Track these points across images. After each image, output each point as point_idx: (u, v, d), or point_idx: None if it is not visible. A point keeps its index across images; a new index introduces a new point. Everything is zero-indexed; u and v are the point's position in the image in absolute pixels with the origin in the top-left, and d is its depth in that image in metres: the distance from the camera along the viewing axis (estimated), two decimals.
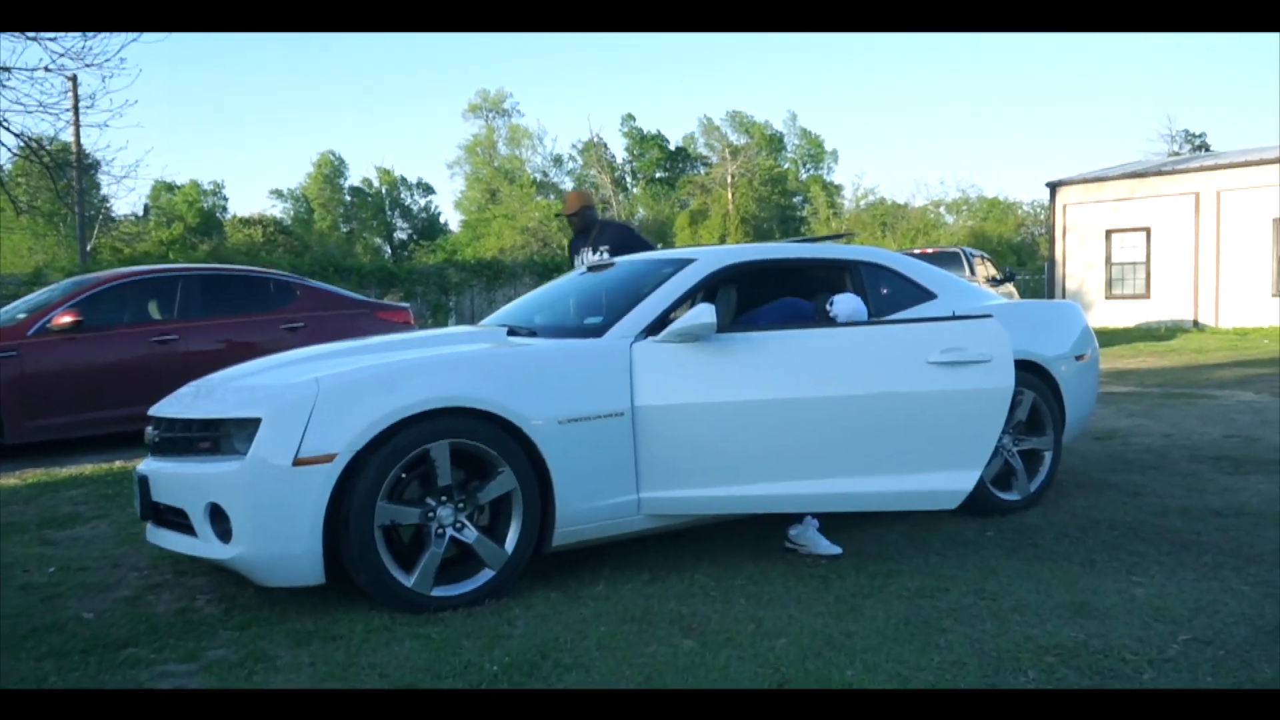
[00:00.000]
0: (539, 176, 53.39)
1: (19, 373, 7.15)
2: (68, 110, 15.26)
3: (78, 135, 19.54)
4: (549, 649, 3.20)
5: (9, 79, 12.41)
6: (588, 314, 4.60)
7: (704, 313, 3.89)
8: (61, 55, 12.31)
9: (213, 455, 3.62)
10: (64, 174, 16.69)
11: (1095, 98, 76.43)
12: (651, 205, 54.00)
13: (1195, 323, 21.31)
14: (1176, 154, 39.72)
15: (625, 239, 6.48)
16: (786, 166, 56.59)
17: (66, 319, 7.39)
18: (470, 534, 3.68)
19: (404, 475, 3.62)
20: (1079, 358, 5.31)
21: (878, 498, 3.99)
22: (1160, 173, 22.55)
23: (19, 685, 3.00)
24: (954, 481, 3.99)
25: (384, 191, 57.25)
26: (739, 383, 3.93)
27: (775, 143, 56.84)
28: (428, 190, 59.39)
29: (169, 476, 3.73)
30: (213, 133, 77.86)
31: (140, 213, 41.90)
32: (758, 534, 4.52)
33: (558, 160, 55.54)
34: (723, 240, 45.16)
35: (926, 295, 5.10)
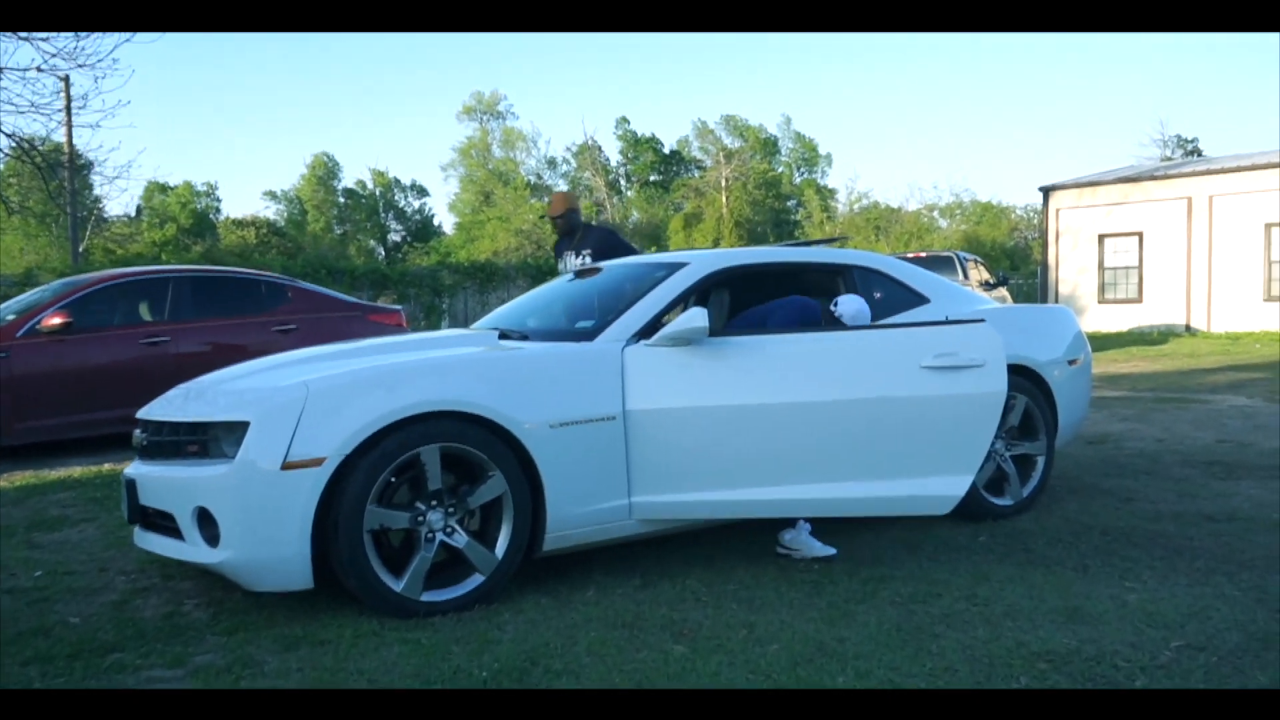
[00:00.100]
0: (533, 179, 53.38)
1: (8, 374, 7.11)
2: (60, 111, 15.24)
3: (70, 136, 19.49)
4: (539, 655, 3.17)
5: (1, 79, 12.36)
6: (580, 318, 4.58)
7: (696, 316, 3.87)
8: (54, 55, 12.26)
9: (201, 459, 3.60)
10: (56, 174, 16.62)
11: (1088, 103, 76.68)
12: (645, 208, 54.01)
13: (1188, 327, 21.36)
14: (1169, 159, 39.84)
15: (608, 243, 6.48)
16: (781, 170, 56.67)
17: (56, 320, 7.35)
18: (460, 538, 3.65)
19: (394, 479, 3.59)
20: (1071, 362, 5.31)
21: (870, 502, 3.97)
22: (1153, 177, 22.61)
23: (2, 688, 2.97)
24: (947, 486, 3.97)
25: (378, 193, 57.21)
26: (731, 387, 3.91)
27: (769, 146, 56.92)
28: (422, 192, 59.43)
29: (157, 480, 3.71)
30: (206, 134, 77.77)
31: (133, 214, 41.77)
32: (750, 539, 4.50)
33: (552, 163, 55.58)
34: (717, 244, 45.19)
35: (919, 299, 5.09)
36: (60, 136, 20.34)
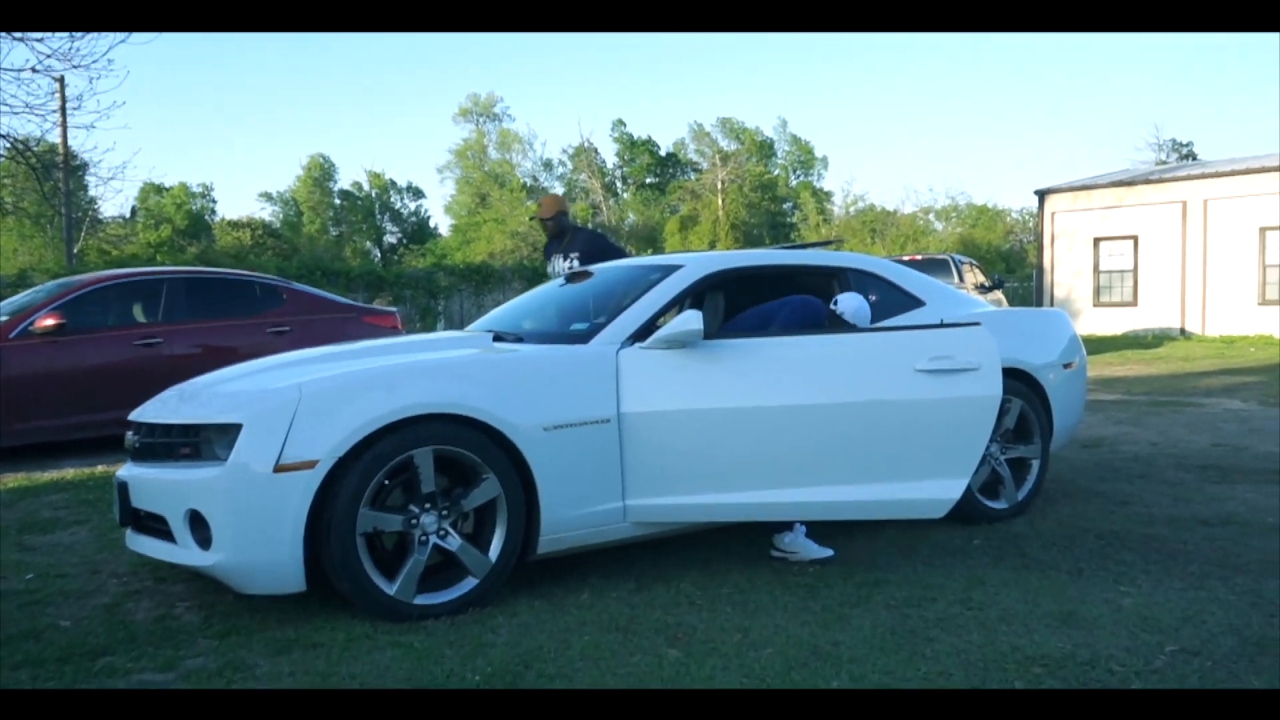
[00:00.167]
0: (529, 181, 53.33)
1: (1, 376, 7.07)
2: (55, 111, 15.17)
3: (65, 137, 19.46)
4: (532, 658, 3.16)
5: None
6: (574, 320, 4.57)
7: (690, 319, 3.87)
8: (48, 56, 12.23)
9: (193, 461, 3.58)
10: (50, 175, 16.59)
11: (1083, 106, 76.83)
12: (642, 211, 54.01)
13: (1182, 331, 21.39)
14: (1164, 163, 39.91)
15: (596, 246, 6.48)
16: (777, 173, 56.68)
17: (49, 321, 7.32)
18: (454, 541, 3.64)
19: (387, 482, 3.58)
20: (1067, 366, 5.31)
21: (865, 506, 3.97)
22: (1148, 181, 22.65)
23: None
24: (942, 490, 3.97)
25: (374, 195, 57.14)
26: (726, 389, 3.90)
27: (765, 149, 56.94)
28: (418, 194, 59.35)
29: (149, 482, 3.69)
30: (202, 135, 77.64)
31: (128, 215, 41.69)
32: (745, 542, 4.49)
33: (548, 165, 55.53)
34: (712, 246, 45.20)
35: (915, 302, 5.09)
36: (55, 137, 20.31)
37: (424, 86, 78.67)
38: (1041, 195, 23.99)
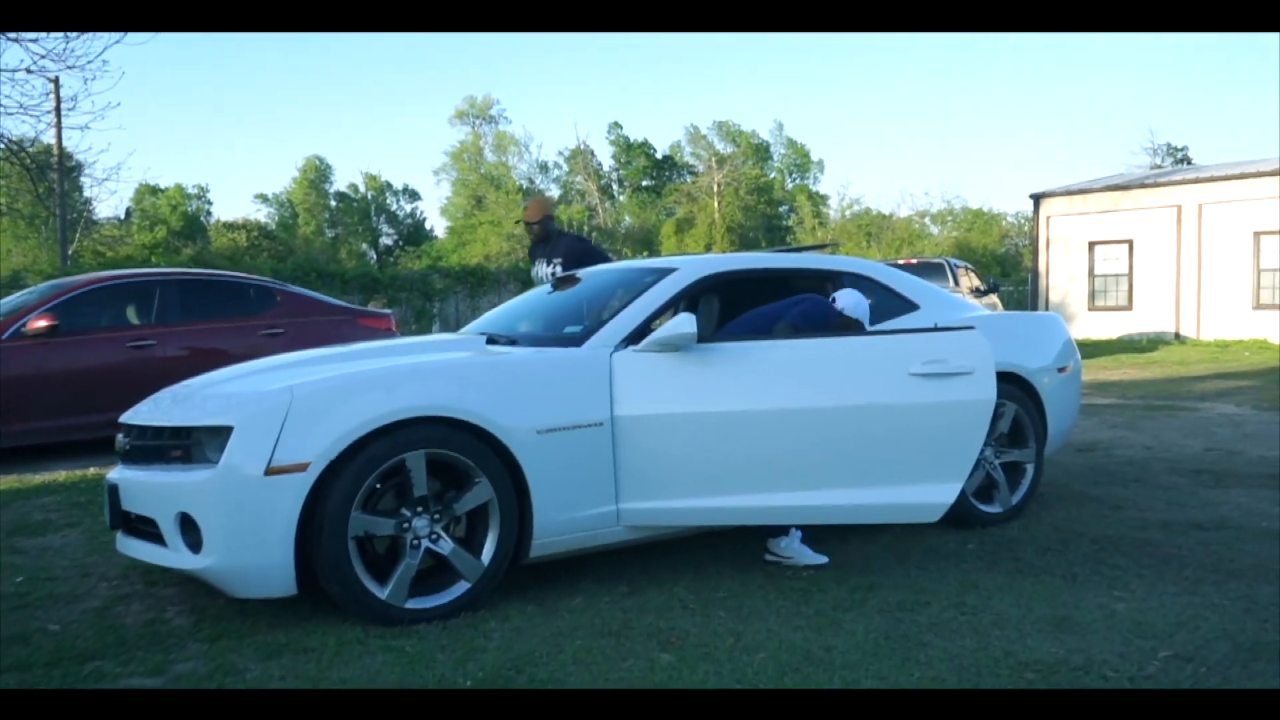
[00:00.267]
0: (525, 183, 53.33)
1: None
2: (49, 112, 15.14)
3: (59, 137, 19.43)
4: (524, 663, 3.15)
5: None
6: (568, 323, 4.56)
7: (684, 322, 3.85)
8: (43, 57, 12.21)
9: (184, 464, 3.56)
10: (45, 176, 16.55)
11: (1079, 111, 77.01)
12: (638, 213, 54.03)
13: (1177, 335, 21.42)
14: (1159, 167, 40.00)
15: (580, 252, 6.48)
16: (773, 176, 56.73)
17: (42, 323, 7.29)
18: (446, 545, 3.62)
19: (379, 485, 3.56)
20: (1061, 370, 5.30)
21: (859, 510, 3.95)
22: (1143, 185, 22.69)
23: None
24: (936, 494, 3.96)
25: (370, 197, 57.11)
26: (719, 393, 3.89)
27: (762, 152, 57.00)
28: (414, 196, 59.32)
29: (139, 485, 3.67)
30: (197, 136, 77.57)
31: (122, 216, 41.59)
32: (738, 546, 4.48)
33: (544, 167, 55.55)
34: (708, 249, 45.21)
35: (909, 306, 5.09)
36: (50, 138, 20.26)
37: (420, 88, 78.70)
38: (1037, 199, 24.02)
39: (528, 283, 19.51)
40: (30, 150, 16.22)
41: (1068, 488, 5.76)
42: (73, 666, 3.19)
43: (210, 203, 57.80)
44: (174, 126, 76.51)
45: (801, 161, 58.95)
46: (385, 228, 57.95)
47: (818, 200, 55.00)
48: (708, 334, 4.80)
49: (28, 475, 6.67)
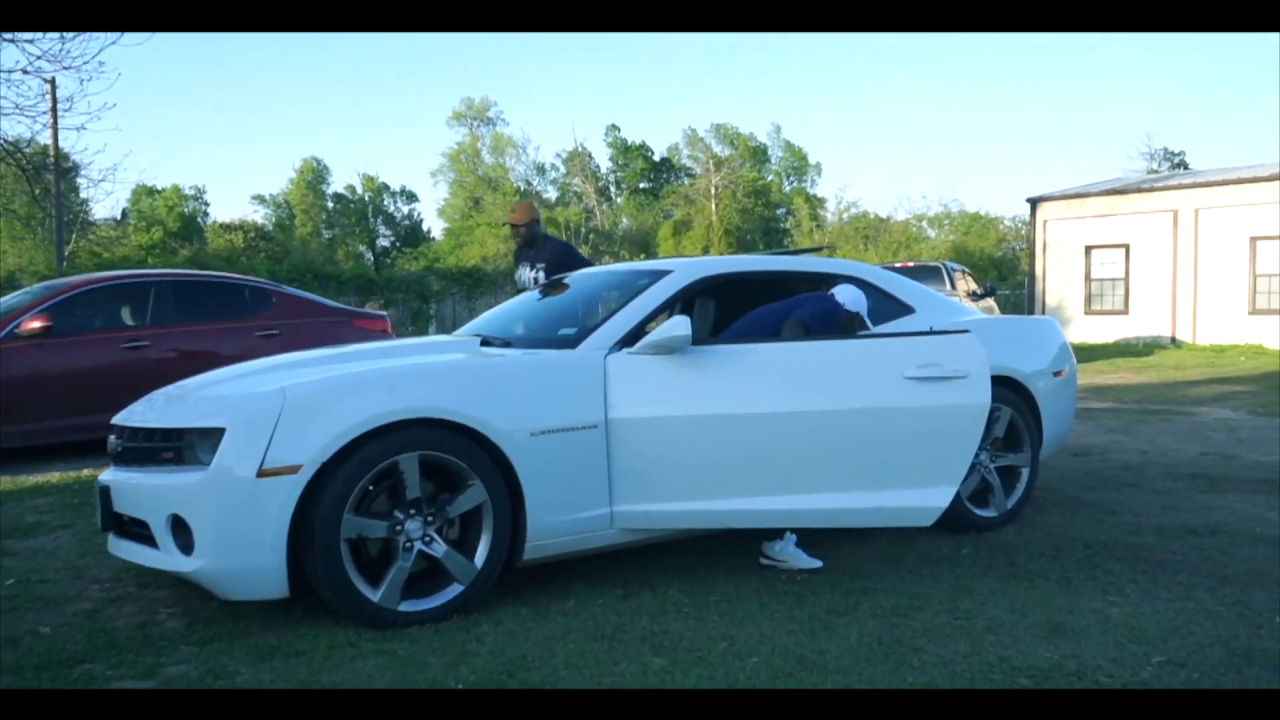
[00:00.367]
0: (522, 185, 53.35)
1: None
2: (45, 113, 15.13)
3: (55, 138, 19.38)
4: (516, 667, 3.13)
5: None
6: (563, 325, 4.55)
7: (679, 325, 3.84)
8: (39, 58, 12.20)
9: (176, 465, 3.55)
10: (41, 177, 16.52)
11: (1076, 115, 77.12)
12: (635, 215, 54.05)
13: (1173, 339, 21.44)
14: (1155, 172, 40.07)
15: (564, 259, 6.48)
16: (770, 178, 56.77)
17: (36, 324, 7.26)
18: (439, 548, 3.61)
19: (371, 487, 3.55)
20: (1057, 374, 5.30)
21: (853, 514, 3.95)
22: (1139, 190, 22.71)
23: None
24: (930, 498, 3.95)
25: (367, 198, 57.07)
26: (714, 396, 3.88)
27: (759, 155, 57.03)
28: (411, 197, 59.31)
29: (131, 487, 3.65)
30: (194, 137, 77.50)
31: (119, 217, 41.51)
32: (733, 550, 4.47)
33: (541, 169, 55.57)
34: (706, 251, 45.23)
35: (905, 310, 5.08)
36: (46, 139, 20.23)
37: (418, 90, 78.69)
38: (1033, 203, 24.04)
39: None
40: (26, 151, 16.18)
41: (1063, 492, 5.75)
42: (63, 669, 3.18)
43: (207, 204, 57.86)
44: (171, 127, 76.49)
45: (799, 164, 58.99)
46: (382, 229, 57.92)
47: (815, 203, 55.03)
48: (703, 336, 4.80)
49: (21, 476, 6.65)
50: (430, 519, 3.61)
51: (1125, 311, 22.32)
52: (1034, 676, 3.02)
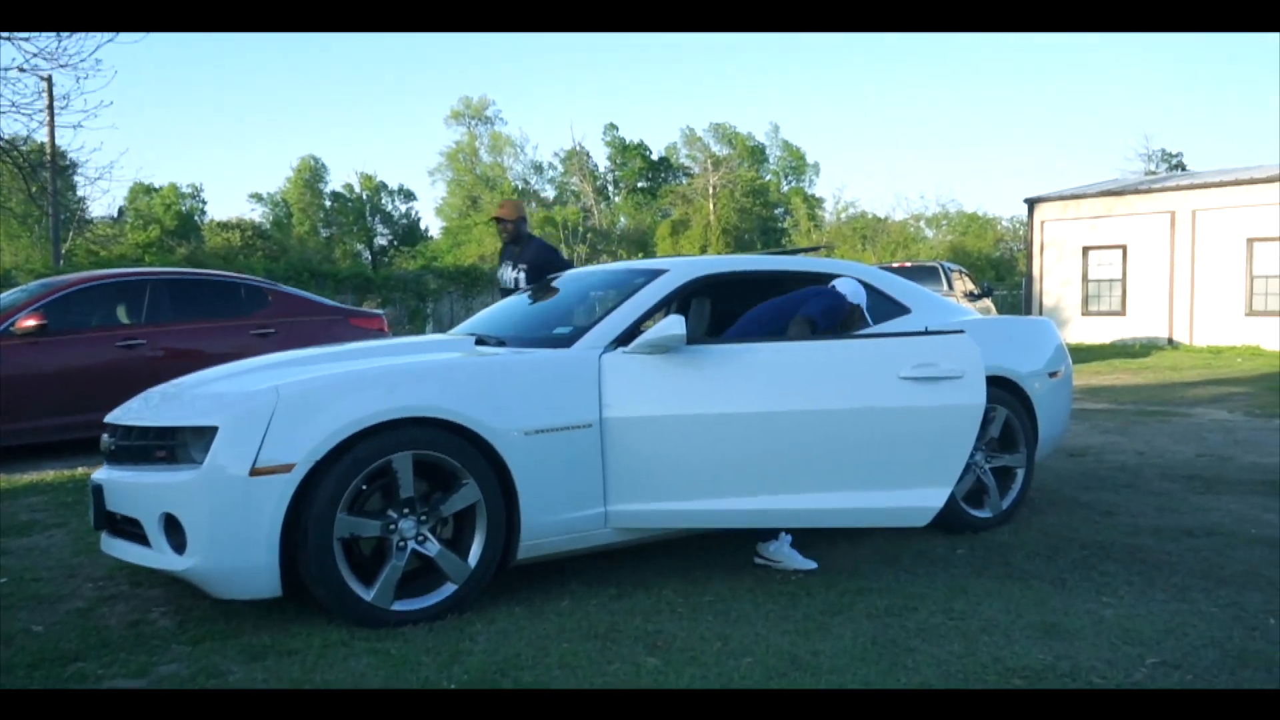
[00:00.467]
0: (520, 184, 53.33)
1: None
2: (41, 111, 15.10)
3: (52, 136, 19.35)
4: (509, 666, 3.13)
5: None
6: (558, 324, 4.55)
7: (673, 324, 3.84)
8: (35, 55, 12.20)
9: (169, 464, 3.54)
10: (38, 175, 16.49)
11: (1074, 116, 77.16)
12: (633, 215, 54.04)
13: (1170, 340, 21.45)
14: (1153, 173, 40.08)
15: (546, 260, 6.47)
16: (768, 178, 56.78)
17: (31, 322, 7.25)
18: (433, 547, 3.60)
19: (365, 486, 3.54)
20: (1052, 374, 5.29)
21: (848, 514, 3.94)
22: (1137, 191, 22.73)
23: None
24: (925, 498, 3.94)
25: (365, 197, 57.03)
26: (709, 395, 3.88)
27: (757, 154, 57.03)
28: (409, 196, 59.30)
29: (124, 485, 3.64)
30: (192, 135, 77.41)
31: (115, 215, 41.45)
32: (728, 549, 4.47)
33: (539, 168, 55.55)
34: (704, 251, 45.22)
35: (900, 310, 5.08)
36: (42, 137, 20.20)
37: (416, 89, 78.65)
38: (1031, 204, 24.05)
39: None
40: (23, 149, 16.16)
41: (1059, 493, 5.75)
42: (55, 668, 3.16)
43: (205, 202, 57.78)
44: (168, 125, 76.41)
45: (797, 164, 58.99)
46: (380, 228, 57.89)
47: (813, 203, 55.04)
48: (698, 336, 4.79)
49: (15, 475, 6.64)
50: (424, 518, 3.60)
51: (1122, 312, 22.33)
52: (1028, 677, 3.01)
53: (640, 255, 45.68)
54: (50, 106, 16.21)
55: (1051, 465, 6.53)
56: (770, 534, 4.24)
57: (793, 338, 4.27)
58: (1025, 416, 5.07)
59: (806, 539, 4.43)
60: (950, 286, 15.62)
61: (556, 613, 3.66)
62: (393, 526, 3.55)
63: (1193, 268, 21.22)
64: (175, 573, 3.50)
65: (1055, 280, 23.46)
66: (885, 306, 5.04)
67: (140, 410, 3.86)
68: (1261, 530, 4.81)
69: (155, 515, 3.48)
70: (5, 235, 34.72)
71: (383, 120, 79.78)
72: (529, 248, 6.65)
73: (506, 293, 6.63)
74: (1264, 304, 20.21)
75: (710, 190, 50.12)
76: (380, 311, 9.64)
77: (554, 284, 5.26)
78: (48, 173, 19.13)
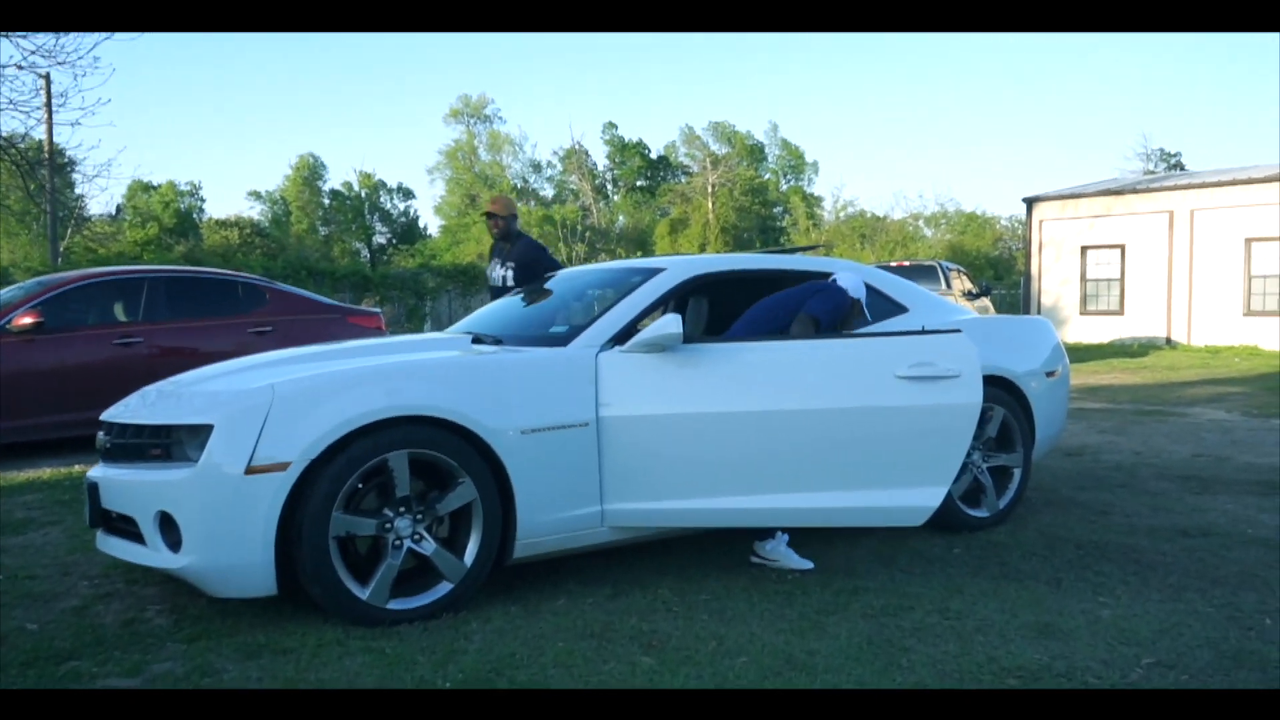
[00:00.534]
0: (519, 183, 53.31)
1: None
2: (39, 108, 15.08)
3: (50, 134, 19.31)
4: (504, 665, 3.12)
5: None
6: (554, 323, 4.54)
7: (670, 323, 3.83)
8: (33, 53, 12.18)
9: (164, 462, 3.53)
10: (36, 173, 16.47)
11: (1073, 115, 77.20)
12: (632, 213, 54.02)
13: (1168, 340, 21.47)
14: (1152, 172, 40.10)
15: (534, 259, 6.46)
16: (767, 177, 56.77)
17: (28, 320, 7.24)
18: (428, 546, 3.60)
19: (361, 485, 3.54)
20: (1050, 374, 5.29)
21: (844, 513, 3.94)
22: (1135, 191, 22.73)
23: None
24: (921, 497, 3.94)
25: (363, 195, 56.99)
26: (705, 394, 3.88)
27: (756, 153, 57.01)
28: (408, 194, 59.22)
29: (119, 483, 3.64)
30: (190, 133, 77.35)
31: (113, 213, 41.35)
32: (723, 549, 4.46)
33: (537, 167, 55.54)
34: (702, 249, 45.22)
35: (898, 309, 5.08)
36: (40, 134, 20.17)
37: (415, 87, 78.59)
38: (1030, 203, 24.05)
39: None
40: (21, 146, 16.13)
41: (1055, 492, 5.75)
42: (49, 666, 3.16)
43: (203, 200, 57.65)
44: (167, 123, 76.32)
45: (796, 163, 58.99)
46: (379, 226, 57.83)
47: (812, 202, 55.04)
48: (695, 335, 4.78)
49: (11, 473, 6.63)
50: (420, 517, 3.59)
51: (1120, 312, 22.34)
52: (1023, 677, 3.01)
53: (639, 254, 45.69)
54: (48, 104, 16.21)
55: (1048, 464, 6.53)
56: (766, 533, 4.24)
57: (796, 336, 4.27)
58: (1022, 416, 5.07)
59: (803, 538, 4.43)
60: (948, 285, 15.62)
61: (552, 611, 3.66)
62: (388, 525, 3.54)
63: (1191, 267, 21.23)
64: (170, 571, 3.50)
65: (1054, 279, 23.47)
66: (882, 306, 5.03)
67: (136, 408, 3.86)
68: (1257, 530, 4.81)
69: (150, 513, 3.48)
70: (4, 233, 34.67)
71: (381, 118, 79.78)
72: (517, 245, 6.64)
73: (495, 290, 6.62)
74: (1262, 304, 20.22)
75: (709, 189, 50.11)
76: (378, 310, 9.64)
77: (550, 282, 5.25)
78: (46, 170, 19.09)
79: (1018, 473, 5.04)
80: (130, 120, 66.15)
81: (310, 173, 55.79)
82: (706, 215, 49.20)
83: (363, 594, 3.47)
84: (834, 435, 3.87)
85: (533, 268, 6.22)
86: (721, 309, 5.16)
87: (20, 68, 12.44)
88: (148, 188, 51.80)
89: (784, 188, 57.70)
